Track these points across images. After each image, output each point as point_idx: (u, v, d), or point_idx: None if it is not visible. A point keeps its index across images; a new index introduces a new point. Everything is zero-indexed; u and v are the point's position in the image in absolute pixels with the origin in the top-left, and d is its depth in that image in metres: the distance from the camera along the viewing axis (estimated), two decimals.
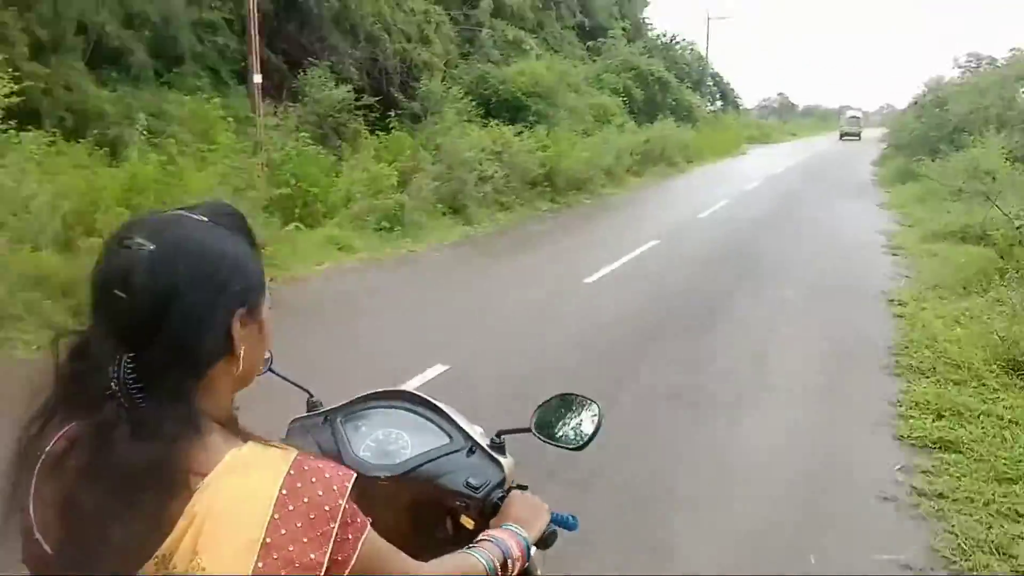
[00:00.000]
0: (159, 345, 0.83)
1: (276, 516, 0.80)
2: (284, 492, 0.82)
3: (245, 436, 0.89)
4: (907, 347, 6.39)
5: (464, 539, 1.24)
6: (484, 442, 1.45)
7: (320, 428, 1.48)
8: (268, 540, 0.79)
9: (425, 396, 1.55)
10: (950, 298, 7.87)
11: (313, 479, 0.85)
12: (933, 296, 8.01)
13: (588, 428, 1.45)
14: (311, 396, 1.58)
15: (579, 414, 1.48)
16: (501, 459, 1.42)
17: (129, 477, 0.80)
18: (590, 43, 29.63)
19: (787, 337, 6.84)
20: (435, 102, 15.92)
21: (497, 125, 16.40)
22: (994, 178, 9.20)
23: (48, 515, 0.85)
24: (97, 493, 0.80)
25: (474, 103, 17.39)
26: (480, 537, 1.19)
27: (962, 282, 8.22)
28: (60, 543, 0.84)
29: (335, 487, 0.86)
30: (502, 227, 13.10)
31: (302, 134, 12.60)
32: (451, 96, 16.06)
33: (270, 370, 1.29)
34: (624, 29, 32.48)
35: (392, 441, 1.46)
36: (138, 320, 0.83)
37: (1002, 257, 8.00)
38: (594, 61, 28.69)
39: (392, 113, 15.28)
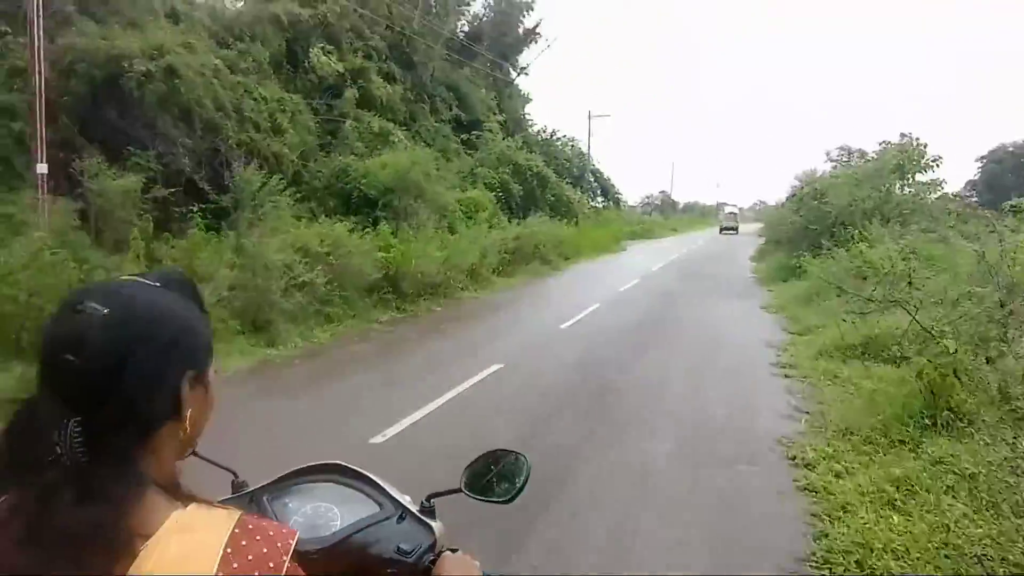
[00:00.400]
0: (108, 408, 0.84)
1: (221, 574, 0.80)
2: (229, 550, 0.82)
3: (189, 499, 0.88)
4: (829, 563, 4.02)
5: None
6: (414, 508, 1.46)
7: (246, 508, 1.35)
8: None
9: (354, 467, 1.54)
10: (871, 454, 5.66)
11: (257, 537, 0.85)
12: (847, 449, 5.79)
13: (516, 482, 1.47)
14: (236, 477, 1.56)
15: (507, 469, 1.50)
16: (432, 523, 1.44)
17: (73, 540, 0.79)
18: (465, 136, 27.98)
19: (648, 547, 4.35)
20: (250, 195, 13.29)
21: (339, 221, 14.00)
22: (910, 282, 7.28)
23: None
24: (40, 559, 0.79)
25: (303, 199, 15.03)
26: None
27: (881, 426, 6.06)
28: None
29: (279, 544, 0.86)
30: (315, 348, 10.37)
31: (40, 234, 9.76)
32: (268, 188, 13.47)
33: (193, 453, 1.15)
34: (502, 123, 31.17)
35: (321, 515, 1.45)
36: (89, 384, 0.84)
37: (932, 392, 5.90)
38: (470, 155, 26.99)
39: (195, 208, 12.57)
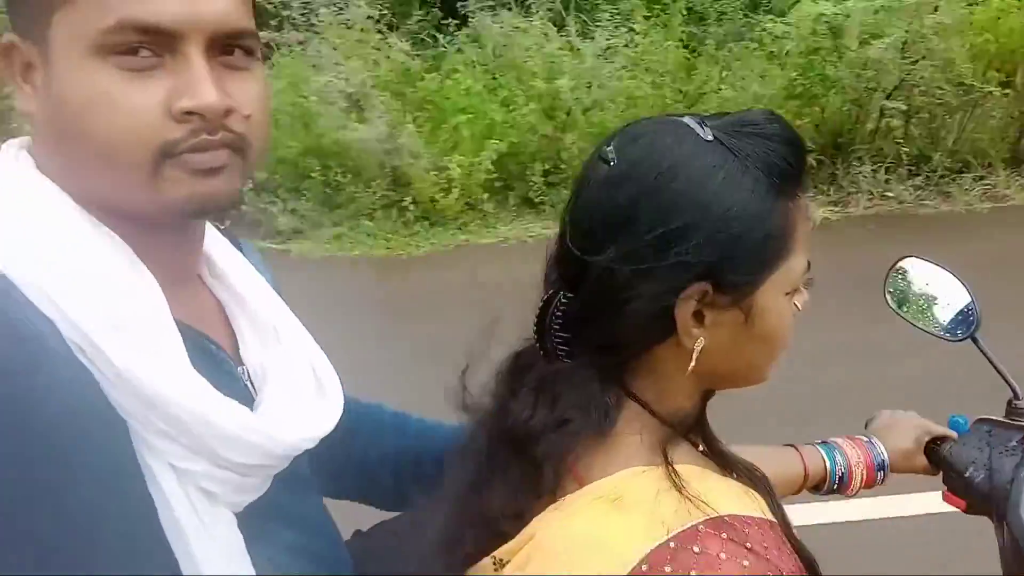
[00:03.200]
0: (583, 295, 0.63)
1: None
2: (645, 568, 0.54)
3: (720, 457, 0.65)
4: None
5: None
6: None
7: (1010, 447, 0.95)
8: None
9: None
10: None
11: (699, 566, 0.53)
12: None
13: None
14: (1017, 397, 1.03)
15: None
16: None
17: (509, 442, 0.64)
18: None
19: None
20: None
21: None
22: None
23: None
24: (491, 449, 0.66)
25: None
26: None
27: None
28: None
29: None
30: None
31: None
32: None
33: (973, 339, 0.97)
34: None
35: None
36: (570, 254, 0.63)
37: None
38: None
39: None
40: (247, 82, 0.60)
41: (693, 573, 0.53)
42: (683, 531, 0.55)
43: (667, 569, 0.53)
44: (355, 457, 0.85)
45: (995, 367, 1.04)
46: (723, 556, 0.54)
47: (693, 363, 0.61)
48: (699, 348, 0.61)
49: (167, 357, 0.57)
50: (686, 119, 0.63)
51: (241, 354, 0.67)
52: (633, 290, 0.60)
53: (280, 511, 0.65)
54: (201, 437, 0.57)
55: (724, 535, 0.55)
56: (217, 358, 0.64)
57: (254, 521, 0.62)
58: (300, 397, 0.66)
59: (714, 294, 0.60)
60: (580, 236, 0.63)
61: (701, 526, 0.55)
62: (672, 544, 0.54)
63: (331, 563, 0.71)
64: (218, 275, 0.70)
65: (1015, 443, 0.98)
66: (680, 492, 0.57)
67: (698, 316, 0.61)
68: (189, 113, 0.56)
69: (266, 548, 0.62)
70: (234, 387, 0.63)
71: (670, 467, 0.59)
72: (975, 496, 0.93)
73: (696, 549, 0.54)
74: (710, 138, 0.61)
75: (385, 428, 0.91)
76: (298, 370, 0.68)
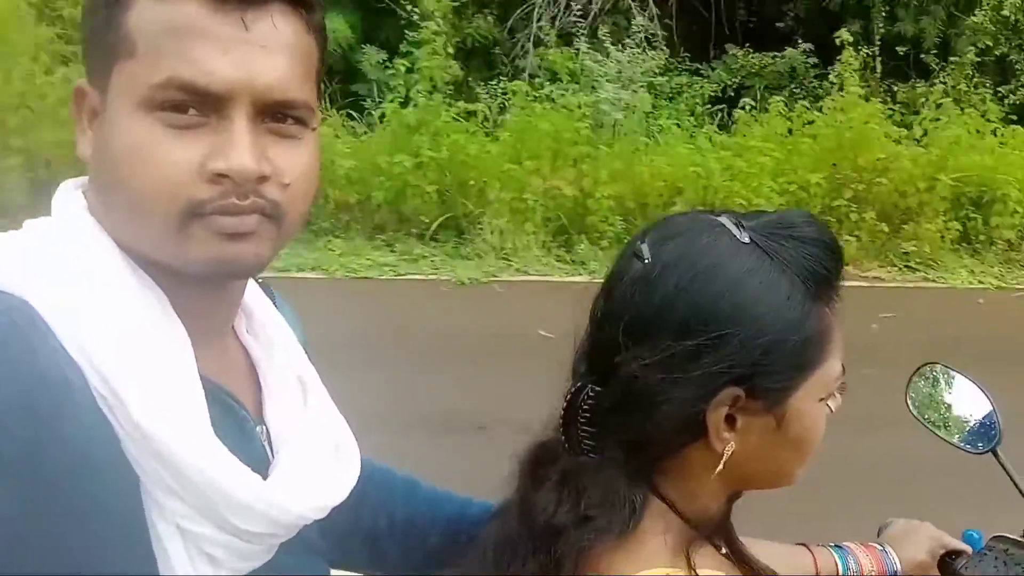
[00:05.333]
0: (612, 392, 0.62)
1: None
2: None
3: (743, 563, 0.64)
4: None
5: None
6: None
7: None
8: None
9: None
10: None
11: None
12: None
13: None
14: None
15: None
16: None
17: (529, 535, 0.62)
18: None
19: None
20: None
21: None
22: None
23: None
24: (511, 540, 0.65)
25: None
26: None
27: None
28: None
29: None
30: None
31: None
32: None
33: (994, 453, 0.95)
34: None
35: None
36: (600, 348, 0.64)
37: None
38: None
39: None
40: (293, 151, 0.60)
41: None
42: None
43: None
44: (363, 523, 0.83)
45: (1016, 484, 1.00)
46: None
47: (721, 467, 0.60)
48: (729, 453, 0.60)
49: (187, 417, 0.57)
50: (723, 218, 0.63)
51: (264, 413, 0.67)
52: (664, 393, 0.59)
53: None
54: (209, 501, 0.56)
55: None
56: (237, 416, 0.64)
57: None
58: (317, 464, 0.66)
59: (747, 400, 0.60)
60: (612, 334, 0.62)
61: None
62: None
63: None
64: (254, 331, 0.70)
65: None
66: None
67: (729, 420, 0.61)
68: (221, 175, 0.56)
69: None
70: (250, 448, 0.63)
71: (693, 573, 0.58)
72: None
73: None
74: (746, 240, 0.61)
75: (395, 493, 0.89)
76: (319, 435, 0.68)
